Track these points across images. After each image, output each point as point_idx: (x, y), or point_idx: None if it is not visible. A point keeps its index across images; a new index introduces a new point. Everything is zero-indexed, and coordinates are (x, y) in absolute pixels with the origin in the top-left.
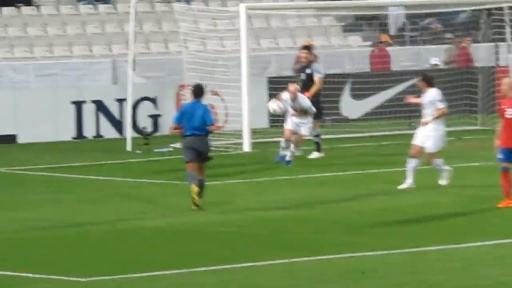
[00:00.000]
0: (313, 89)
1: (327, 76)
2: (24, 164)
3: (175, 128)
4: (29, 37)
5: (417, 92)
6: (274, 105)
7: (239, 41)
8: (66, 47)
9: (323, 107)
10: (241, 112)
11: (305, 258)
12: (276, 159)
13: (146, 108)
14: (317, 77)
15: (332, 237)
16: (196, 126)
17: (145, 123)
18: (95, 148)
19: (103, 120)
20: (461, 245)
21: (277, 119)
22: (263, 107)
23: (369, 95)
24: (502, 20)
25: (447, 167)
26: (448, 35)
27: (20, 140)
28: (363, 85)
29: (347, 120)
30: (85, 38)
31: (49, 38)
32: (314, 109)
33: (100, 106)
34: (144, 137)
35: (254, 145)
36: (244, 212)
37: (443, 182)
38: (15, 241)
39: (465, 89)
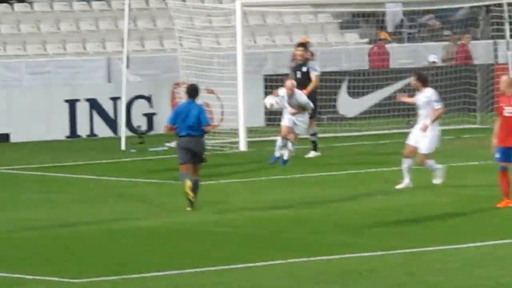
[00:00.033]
0: (310, 86)
1: (324, 73)
2: (17, 163)
3: (170, 129)
4: (22, 34)
5: (414, 91)
6: (272, 100)
7: (234, 38)
8: (59, 45)
9: (319, 105)
10: (237, 111)
11: (303, 259)
12: (271, 161)
13: (140, 107)
14: (313, 75)
15: (330, 237)
16: (191, 127)
17: (140, 122)
18: (89, 147)
19: (97, 118)
20: (460, 246)
21: (273, 118)
22: (259, 106)
23: (366, 93)
24: (501, 17)
25: (439, 166)
26: (446, 32)
27: (13, 139)
28: (360, 83)
29: (344, 118)
30: (78, 35)
31: (42, 35)
32: (312, 105)
33: (94, 105)
34: (139, 136)
35: (250, 144)
36: (240, 212)
37: (437, 181)
38: (8, 241)
39: (464, 87)
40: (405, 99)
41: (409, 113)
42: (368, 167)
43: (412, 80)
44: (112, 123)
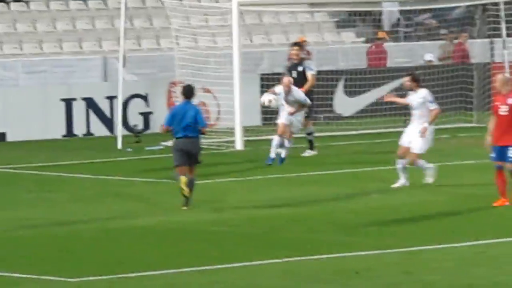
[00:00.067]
0: (307, 85)
1: (320, 72)
2: (13, 162)
3: (167, 131)
4: (18, 33)
5: (406, 91)
6: (270, 97)
7: (231, 38)
8: (55, 44)
9: (315, 104)
10: (233, 110)
11: (299, 258)
12: (268, 162)
13: (137, 106)
14: (310, 74)
15: (326, 236)
16: (188, 128)
17: (136, 121)
18: (85, 146)
19: (93, 117)
20: (456, 245)
21: (270, 117)
22: (255, 105)
23: (363, 92)
24: (497, 16)
25: (430, 165)
26: (443, 31)
27: (9, 138)
28: (357, 81)
29: (340, 117)
30: (75, 34)
31: (38, 34)
32: (309, 101)
33: (90, 104)
34: (135, 135)
35: (247, 143)
36: (236, 211)
37: (428, 180)
38: (4, 240)
39: (460, 85)
40: (393, 99)
41: (406, 112)
42: (365, 166)
43: (406, 80)
44: (108, 122)
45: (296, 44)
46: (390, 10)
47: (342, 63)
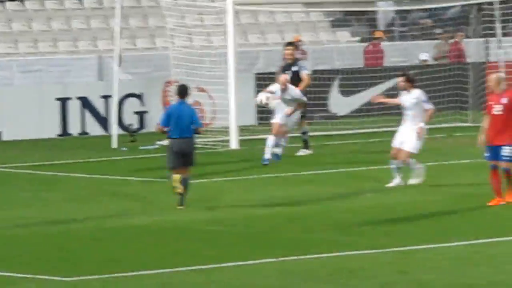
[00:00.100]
0: (302, 85)
1: (316, 72)
2: (8, 161)
3: (162, 131)
4: (13, 32)
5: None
6: (265, 96)
7: (226, 37)
8: (51, 43)
9: (310, 103)
10: (228, 109)
11: (294, 257)
12: (263, 162)
13: (132, 105)
14: (305, 74)
15: (321, 235)
16: (184, 128)
17: (131, 120)
18: (80, 145)
19: (88, 117)
20: (451, 244)
21: (265, 116)
22: (250, 104)
23: (358, 91)
24: (492, 15)
25: (420, 165)
26: (438, 31)
27: (4, 137)
28: (352, 81)
29: (335, 116)
30: (70, 33)
31: (33, 33)
32: (305, 98)
33: (85, 103)
34: (130, 134)
35: (242, 142)
36: (232, 210)
37: (413, 181)
38: None
39: (456, 85)
40: (383, 100)
41: (401, 111)
42: (360, 166)
43: (400, 80)
44: (103, 121)
45: (290, 43)
46: (385, 9)
47: (337, 62)
